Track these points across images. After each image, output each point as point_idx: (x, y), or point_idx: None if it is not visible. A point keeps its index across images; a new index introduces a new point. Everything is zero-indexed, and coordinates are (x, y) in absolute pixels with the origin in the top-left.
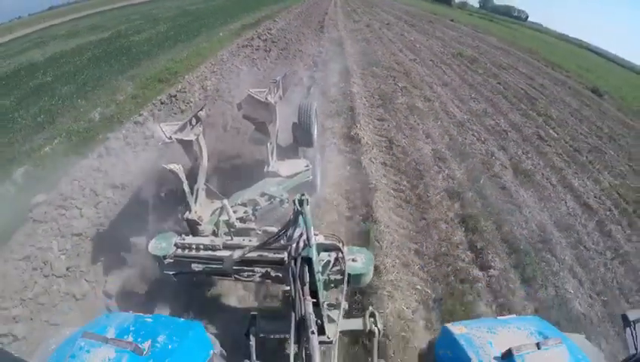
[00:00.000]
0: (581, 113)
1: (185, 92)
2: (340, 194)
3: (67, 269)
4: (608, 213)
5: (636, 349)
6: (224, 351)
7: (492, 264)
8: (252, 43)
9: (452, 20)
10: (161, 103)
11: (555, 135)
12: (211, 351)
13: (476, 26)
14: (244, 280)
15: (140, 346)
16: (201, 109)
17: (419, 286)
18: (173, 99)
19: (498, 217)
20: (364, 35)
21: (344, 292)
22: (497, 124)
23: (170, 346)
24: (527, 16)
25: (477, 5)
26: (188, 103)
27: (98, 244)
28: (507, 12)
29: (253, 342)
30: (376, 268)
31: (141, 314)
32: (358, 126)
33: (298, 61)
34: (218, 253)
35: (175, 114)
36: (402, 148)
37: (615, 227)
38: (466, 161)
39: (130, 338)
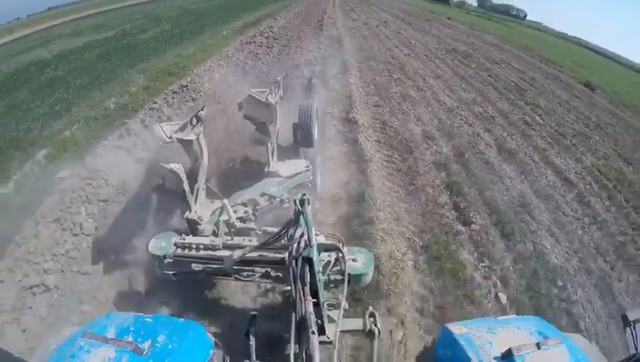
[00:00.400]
0: (570, 104)
1: (195, 83)
2: (339, 165)
3: (95, 229)
4: (588, 186)
5: (636, 349)
6: (224, 351)
7: (474, 221)
8: (255, 40)
9: (449, 18)
10: (174, 93)
11: (541, 121)
12: (211, 351)
13: (473, 24)
14: (244, 280)
15: (140, 346)
16: (201, 109)
17: (407, 236)
18: (185, 89)
19: (481, 185)
20: (362, 33)
21: (344, 292)
22: (485, 110)
23: (170, 346)
24: (526, 15)
25: (475, 4)
26: (199, 92)
27: (124, 209)
28: (506, 11)
29: (253, 342)
30: (370, 220)
31: (141, 314)
32: (355, 110)
33: (299, 56)
34: (218, 253)
35: (187, 102)
36: (394, 129)
37: (595, 199)
38: (453, 140)
39: (130, 339)
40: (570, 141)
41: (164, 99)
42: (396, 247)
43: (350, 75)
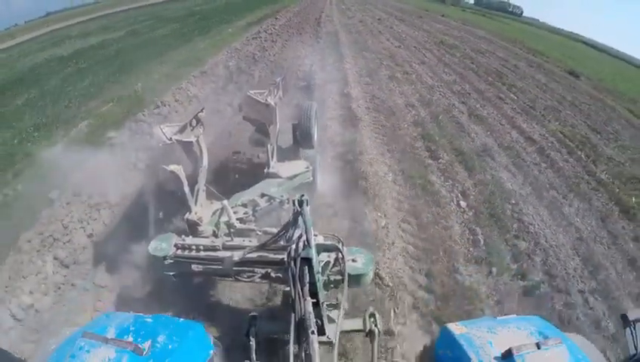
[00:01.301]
0: (547, 86)
1: (212, 69)
2: (337, 122)
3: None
4: (550, 144)
5: (636, 349)
6: (224, 351)
7: (441, 157)
8: (260, 36)
9: (443, 16)
10: (194, 77)
11: (515, 97)
12: (211, 351)
13: (466, 20)
14: (245, 281)
15: (140, 346)
16: (201, 111)
17: (388, 164)
18: (204, 74)
19: (450, 137)
20: (357, 29)
21: (344, 292)
22: (463, 89)
23: (170, 346)
24: (522, 12)
25: (471, 2)
26: (218, 77)
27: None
28: (502, 8)
29: (253, 342)
30: (360, 152)
31: (141, 314)
32: (349, 87)
33: (300, 48)
34: (218, 254)
35: (207, 84)
36: (382, 100)
37: (555, 153)
38: (430, 108)
39: (130, 339)
40: (540, 112)
41: (188, 82)
42: (379, 169)
43: (346, 62)
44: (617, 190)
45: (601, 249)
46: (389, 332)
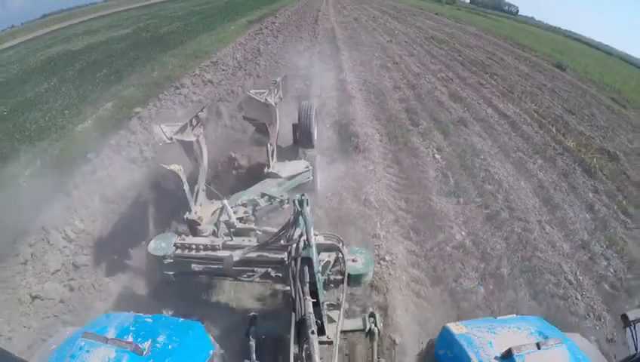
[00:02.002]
0: (530, 76)
1: (222, 60)
2: (334, 100)
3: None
4: (522, 119)
5: (636, 349)
6: (224, 351)
7: (421, 124)
8: (262, 32)
9: (436, 14)
10: (206, 67)
11: (495, 83)
12: (211, 351)
13: (459, 18)
14: (244, 281)
15: (140, 346)
16: (201, 110)
17: (376, 128)
18: (215, 64)
19: (431, 111)
20: (352, 26)
21: (344, 292)
22: (446, 75)
23: (170, 346)
24: (518, 10)
25: (467, 0)
26: (227, 66)
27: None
28: (497, 6)
29: (253, 342)
30: (352, 119)
31: (141, 314)
32: (344, 73)
33: (299, 43)
34: (218, 253)
35: (218, 71)
36: (373, 84)
37: (526, 126)
38: (415, 90)
39: (130, 338)
40: (517, 96)
41: (202, 69)
42: (369, 131)
43: (341, 54)
44: (582, 156)
45: (560, 195)
46: (375, 236)
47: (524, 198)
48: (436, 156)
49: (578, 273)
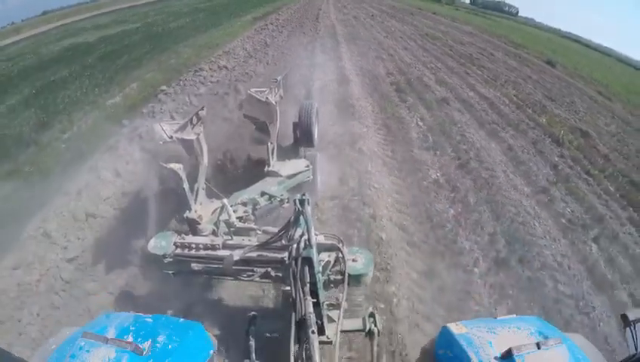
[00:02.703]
0: (517, 69)
1: (233, 50)
2: (334, 83)
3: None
4: (501, 101)
5: (636, 349)
6: (224, 351)
7: (408, 101)
8: (267, 27)
9: (434, 13)
10: (219, 55)
11: (480, 73)
12: (211, 351)
13: (456, 18)
14: (244, 280)
15: (140, 346)
16: (201, 108)
17: (369, 102)
18: (227, 53)
19: (418, 92)
20: (351, 23)
21: (344, 292)
22: (436, 66)
23: (170, 346)
24: (518, 11)
25: (467, 1)
26: (237, 55)
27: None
28: (497, 7)
29: (252, 342)
30: (349, 95)
31: (141, 314)
32: (343, 62)
33: (303, 37)
34: (218, 253)
35: (230, 59)
36: (368, 70)
37: (503, 106)
38: (405, 76)
39: (130, 338)
40: (500, 83)
41: (216, 58)
42: (363, 104)
43: (341, 47)
44: (553, 130)
45: (527, 156)
46: (367, 172)
47: (493, 155)
48: (419, 123)
49: (537, 208)
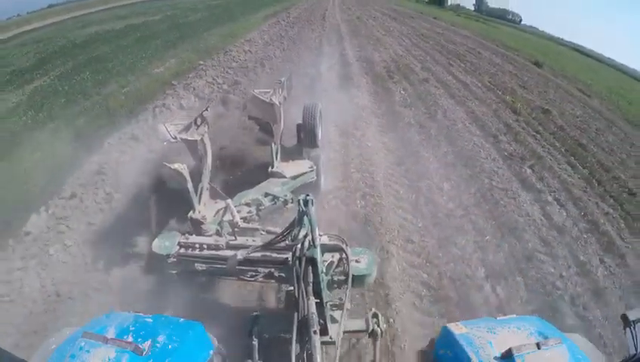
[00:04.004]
0: (500, 65)
1: (253, 39)
2: (337, 66)
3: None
4: (474, 85)
5: (636, 349)
6: (225, 351)
7: (395, 78)
8: (280, 23)
9: (435, 18)
10: (242, 43)
11: (463, 65)
12: (211, 351)
13: (456, 23)
14: (248, 280)
15: (140, 346)
16: (206, 109)
17: (365, 81)
18: (248, 41)
19: (404, 74)
20: (354, 23)
21: (347, 293)
22: (424, 58)
23: (170, 346)
24: (521, 19)
25: (472, 8)
26: (257, 43)
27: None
28: (501, 15)
29: (255, 342)
30: (350, 76)
31: (141, 314)
32: (346, 51)
33: (311, 32)
34: (222, 253)
35: (253, 45)
36: (365, 58)
37: (476, 88)
38: (396, 63)
39: (130, 338)
40: (479, 74)
41: (240, 44)
42: (360, 80)
43: (344, 40)
44: (515, 105)
45: (485, 117)
46: (360, 117)
47: (456, 114)
48: (402, 92)
49: (485, 144)
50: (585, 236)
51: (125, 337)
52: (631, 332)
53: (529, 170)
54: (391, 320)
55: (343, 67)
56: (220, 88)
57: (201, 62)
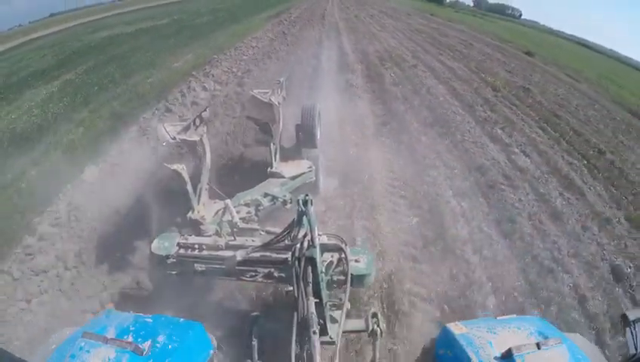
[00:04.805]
0: (490, 54)
1: (259, 37)
2: (335, 56)
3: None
4: (460, 69)
5: (636, 349)
6: (225, 351)
7: (386, 65)
8: (283, 22)
9: (432, 14)
10: (249, 40)
11: (453, 54)
12: (211, 351)
13: (452, 19)
14: (247, 281)
15: (140, 346)
16: (204, 110)
17: (360, 68)
18: (254, 39)
19: (395, 61)
20: (352, 20)
21: (347, 293)
22: (416, 49)
23: (170, 346)
24: (521, 14)
25: (471, 4)
26: (263, 40)
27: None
28: (501, 10)
29: (255, 342)
30: (346, 63)
31: (141, 314)
32: (343, 44)
33: (312, 30)
34: (221, 253)
35: (259, 42)
36: (361, 49)
37: (461, 72)
38: (389, 53)
39: (130, 338)
40: (467, 61)
41: (247, 41)
42: (356, 66)
43: (342, 36)
44: (495, 84)
45: (466, 93)
46: (355, 93)
47: (439, 91)
48: (392, 75)
49: (461, 112)
50: (546, 176)
51: (125, 337)
52: (631, 331)
53: (500, 131)
54: (377, 217)
55: (341, 57)
56: (235, 75)
57: (215, 57)
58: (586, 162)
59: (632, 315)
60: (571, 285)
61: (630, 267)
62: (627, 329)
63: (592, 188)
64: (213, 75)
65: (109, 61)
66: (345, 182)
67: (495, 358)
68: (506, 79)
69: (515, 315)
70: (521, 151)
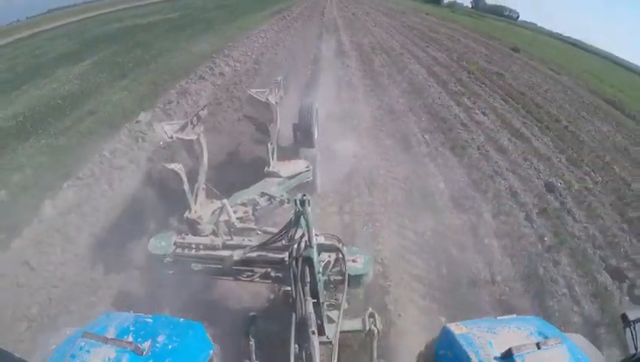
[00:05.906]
0: (474, 48)
1: (265, 29)
2: (333, 49)
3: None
4: (442, 58)
5: (636, 349)
6: (224, 351)
7: (377, 52)
8: (285, 18)
9: (427, 14)
10: (257, 33)
11: (438, 47)
12: (211, 351)
13: (447, 18)
14: (244, 280)
15: (140, 346)
16: (202, 109)
17: (354, 54)
18: (262, 31)
19: (386, 51)
20: (349, 18)
21: (344, 292)
22: (404, 42)
23: (170, 346)
24: (518, 16)
25: (469, 5)
26: (269, 32)
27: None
28: (499, 12)
29: (252, 342)
30: (343, 53)
31: (141, 314)
32: (341, 37)
33: (313, 26)
34: (218, 253)
35: (266, 35)
36: (356, 42)
37: (443, 60)
38: (380, 45)
39: (130, 338)
40: (451, 53)
41: (255, 33)
42: (350, 52)
43: (340, 30)
44: (471, 68)
45: (442, 74)
46: (350, 72)
47: (420, 73)
48: (381, 60)
49: (436, 86)
50: (498, 128)
51: (125, 337)
52: (631, 331)
53: (466, 99)
54: (363, 141)
55: (339, 46)
56: (250, 57)
57: (230, 44)
58: (539, 124)
59: (632, 315)
60: (507, 186)
61: (561, 183)
62: (627, 329)
63: (539, 139)
64: (232, 57)
65: (135, 46)
66: (341, 122)
67: (495, 358)
68: (483, 67)
69: (515, 315)
70: (482, 112)
